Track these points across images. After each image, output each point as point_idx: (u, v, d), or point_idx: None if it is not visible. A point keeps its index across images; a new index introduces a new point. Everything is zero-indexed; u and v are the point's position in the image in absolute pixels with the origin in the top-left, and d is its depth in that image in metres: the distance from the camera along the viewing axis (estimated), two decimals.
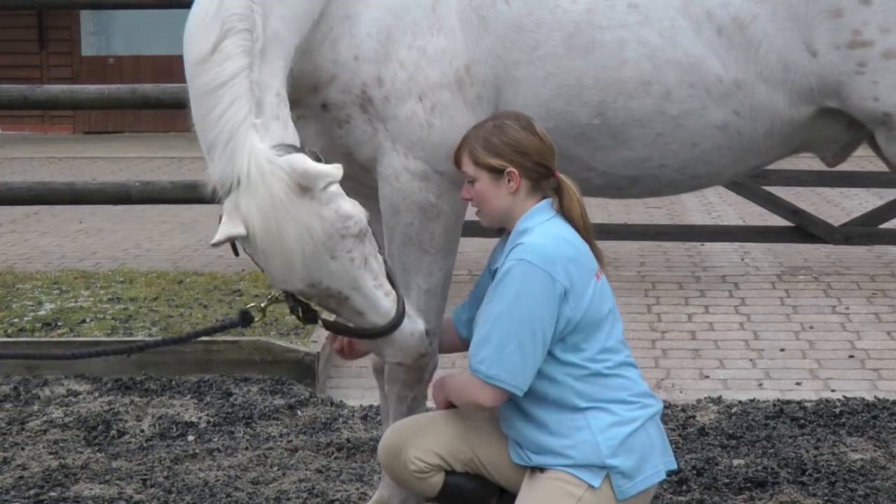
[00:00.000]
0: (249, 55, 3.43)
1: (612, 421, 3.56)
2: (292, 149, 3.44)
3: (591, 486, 3.53)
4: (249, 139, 3.34)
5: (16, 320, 7.18)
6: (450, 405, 3.78)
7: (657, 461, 3.64)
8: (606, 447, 3.54)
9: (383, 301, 3.57)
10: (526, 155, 3.61)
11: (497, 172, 3.60)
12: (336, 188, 3.43)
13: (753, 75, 3.85)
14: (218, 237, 3.33)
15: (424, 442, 3.70)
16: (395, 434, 3.77)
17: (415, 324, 3.68)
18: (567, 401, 3.57)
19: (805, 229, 8.73)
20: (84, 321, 7.10)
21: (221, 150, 3.35)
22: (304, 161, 3.36)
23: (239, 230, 3.33)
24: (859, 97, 3.86)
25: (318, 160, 3.46)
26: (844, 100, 3.89)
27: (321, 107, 3.81)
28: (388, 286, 3.60)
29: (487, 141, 3.61)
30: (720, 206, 11.61)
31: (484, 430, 3.74)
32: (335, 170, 3.35)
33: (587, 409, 3.56)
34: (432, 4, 3.77)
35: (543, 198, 3.66)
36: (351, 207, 3.46)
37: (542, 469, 3.59)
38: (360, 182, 3.98)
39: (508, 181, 3.61)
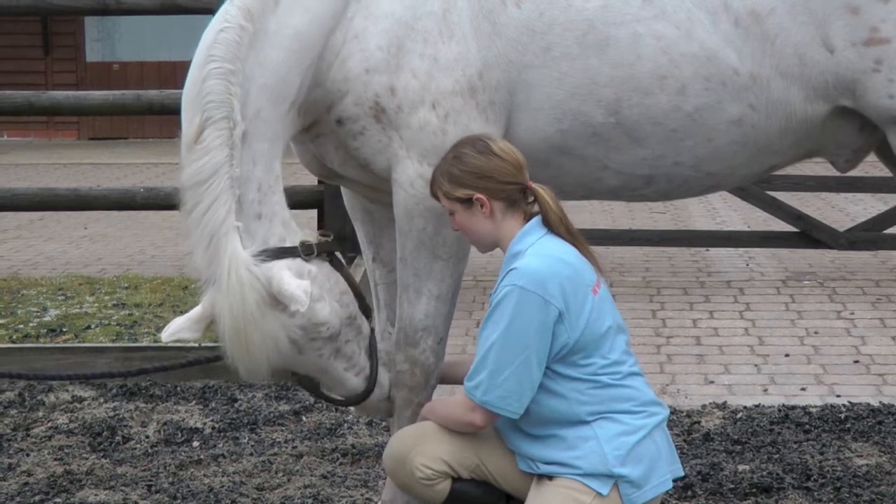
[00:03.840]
0: (228, 146, 3.49)
1: (618, 430, 3.56)
2: (275, 252, 3.54)
3: (599, 494, 3.53)
4: (231, 244, 3.46)
5: (21, 326, 7.18)
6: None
7: (664, 469, 3.64)
8: (613, 457, 3.53)
9: (352, 381, 3.80)
10: (489, 178, 3.60)
11: (467, 202, 3.62)
12: (316, 291, 3.53)
13: (769, 69, 3.83)
14: (169, 332, 3.55)
15: (431, 449, 3.70)
16: (401, 441, 3.77)
17: (381, 389, 3.90)
18: (573, 415, 3.57)
19: (809, 234, 8.72)
20: (89, 327, 7.10)
21: (204, 249, 3.49)
22: (280, 279, 3.46)
23: (191, 335, 3.54)
24: (874, 95, 3.84)
25: (311, 251, 3.61)
26: (859, 98, 3.87)
27: (336, 122, 3.82)
28: (361, 364, 3.80)
29: (450, 174, 3.63)
30: (724, 211, 11.60)
31: (490, 438, 3.73)
32: (304, 296, 3.42)
33: (593, 420, 3.56)
34: (443, 12, 3.76)
35: (524, 213, 3.66)
36: (327, 314, 3.61)
37: (550, 477, 3.59)
38: (378, 189, 3.99)
39: (481, 207, 3.61)
